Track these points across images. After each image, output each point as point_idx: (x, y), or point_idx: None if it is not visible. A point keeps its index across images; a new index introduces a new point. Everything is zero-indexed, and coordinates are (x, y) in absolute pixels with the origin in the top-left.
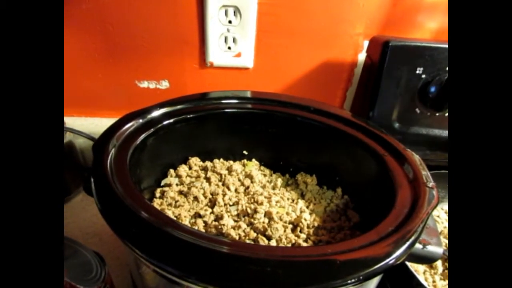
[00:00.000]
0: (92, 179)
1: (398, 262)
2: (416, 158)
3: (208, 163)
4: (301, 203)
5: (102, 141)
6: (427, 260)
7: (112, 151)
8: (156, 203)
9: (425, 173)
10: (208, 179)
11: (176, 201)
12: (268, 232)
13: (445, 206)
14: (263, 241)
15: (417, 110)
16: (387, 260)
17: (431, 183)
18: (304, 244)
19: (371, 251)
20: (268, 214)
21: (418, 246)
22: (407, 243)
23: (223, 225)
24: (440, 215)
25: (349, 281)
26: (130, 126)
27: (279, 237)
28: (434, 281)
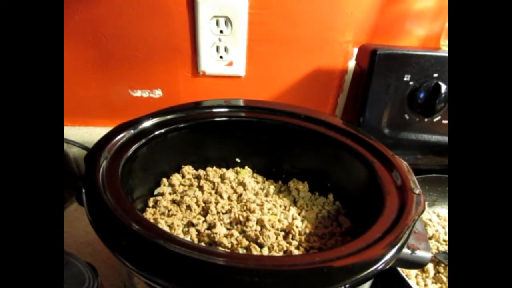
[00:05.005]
0: (83, 191)
1: (386, 268)
2: (404, 164)
3: (201, 171)
4: (293, 210)
5: (93, 153)
6: (416, 265)
7: (104, 163)
8: (149, 212)
9: (413, 179)
10: (201, 188)
11: (169, 210)
12: (260, 239)
13: (437, 209)
14: (255, 249)
15: (406, 116)
16: (374, 267)
17: (418, 190)
18: (296, 251)
19: (358, 258)
20: (260, 222)
21: (406, 251)
22: (394, 249)
23: (216, 233)
24: (432, 219)
25: None
26: (121, 137)
27: (271, 244)
28: (426, 285)
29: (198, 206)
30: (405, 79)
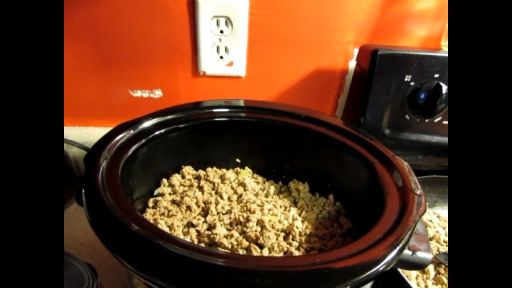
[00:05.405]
0: (83, 191)
1: (387, 269)
2: (405, 165)
3: (201, 172)
4: (294, 211)
5: (93, 153)
6: (417, 266)
7: (104, 163)
8: (149, 213)
9: (414, 180)
10: (201, 188)
11: (169, 211)
12: (261, 240)
13: (437, 210)
14: (255, 250)
15: (407, 117)
16: (375, 268)
17: (419, 191)
18: (296, 252)
19: (359, 259)
20: (260, 223)
21: (407, 252)
22: (395, 251)
23: (216, 234)
24: (433, 219)
25: None
26: (121, 137)
27: (271, 245)
28: (426, 286)
29: (198, 206)
30: (405, 79)
